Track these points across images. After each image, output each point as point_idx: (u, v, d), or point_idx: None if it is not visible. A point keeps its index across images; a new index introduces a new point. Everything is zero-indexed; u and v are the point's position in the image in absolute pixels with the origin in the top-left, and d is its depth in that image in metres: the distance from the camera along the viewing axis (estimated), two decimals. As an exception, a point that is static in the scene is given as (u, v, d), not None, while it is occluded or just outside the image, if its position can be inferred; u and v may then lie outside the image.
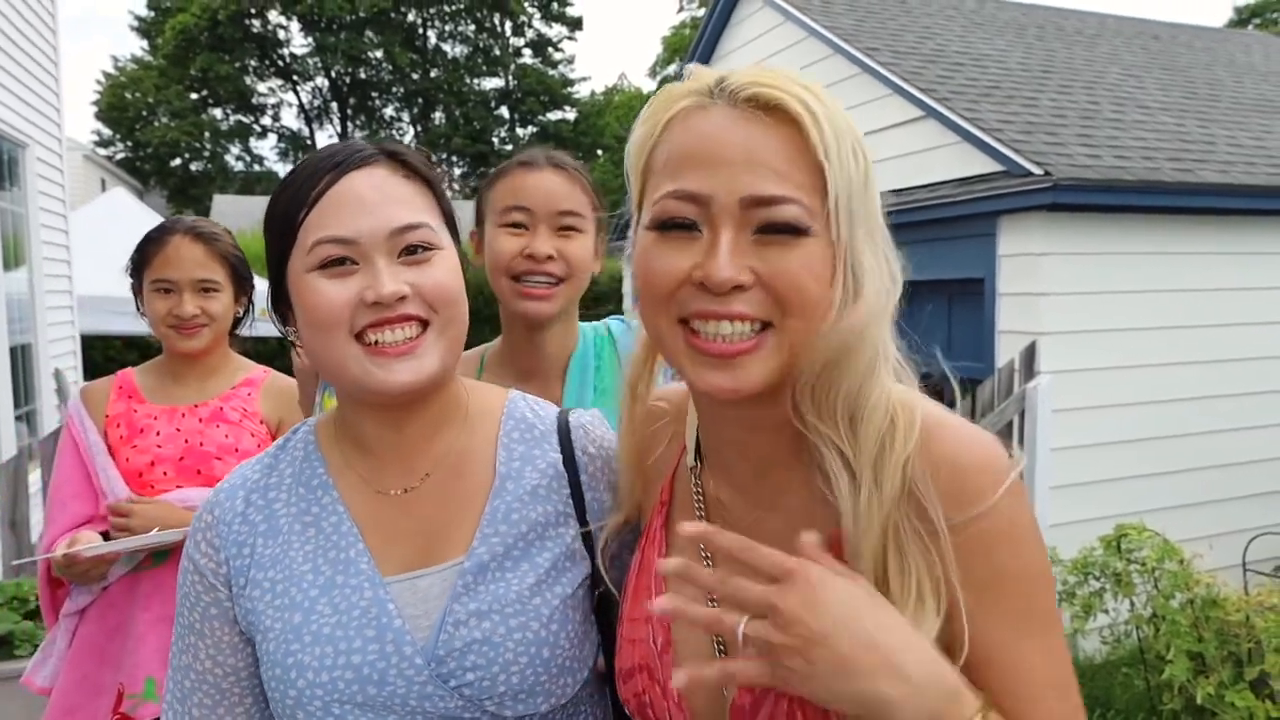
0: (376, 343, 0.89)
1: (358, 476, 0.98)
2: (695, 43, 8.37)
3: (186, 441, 1.88)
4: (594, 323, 1.61)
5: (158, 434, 1.88)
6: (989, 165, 4.89)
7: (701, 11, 27.54)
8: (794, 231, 0.75)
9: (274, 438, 1.87)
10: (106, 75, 30.73)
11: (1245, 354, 5.04)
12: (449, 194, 1.02)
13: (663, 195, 0.79)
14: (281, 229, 0.93)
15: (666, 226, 0.79)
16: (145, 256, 1.90)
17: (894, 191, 5.62)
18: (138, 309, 1.96)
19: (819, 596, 0.69)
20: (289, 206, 0.92)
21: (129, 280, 1.97)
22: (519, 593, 0.92)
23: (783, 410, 0.81)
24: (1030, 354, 4.55)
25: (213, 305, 1.91)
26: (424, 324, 0.91)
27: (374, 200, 0.90)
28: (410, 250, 0.91)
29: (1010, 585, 0.76)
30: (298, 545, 0.95)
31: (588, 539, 0.98)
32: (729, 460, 0.89)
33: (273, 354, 9.88)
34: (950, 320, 5.23)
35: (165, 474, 1.86)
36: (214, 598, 0.96)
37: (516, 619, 0.91)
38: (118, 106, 29.89)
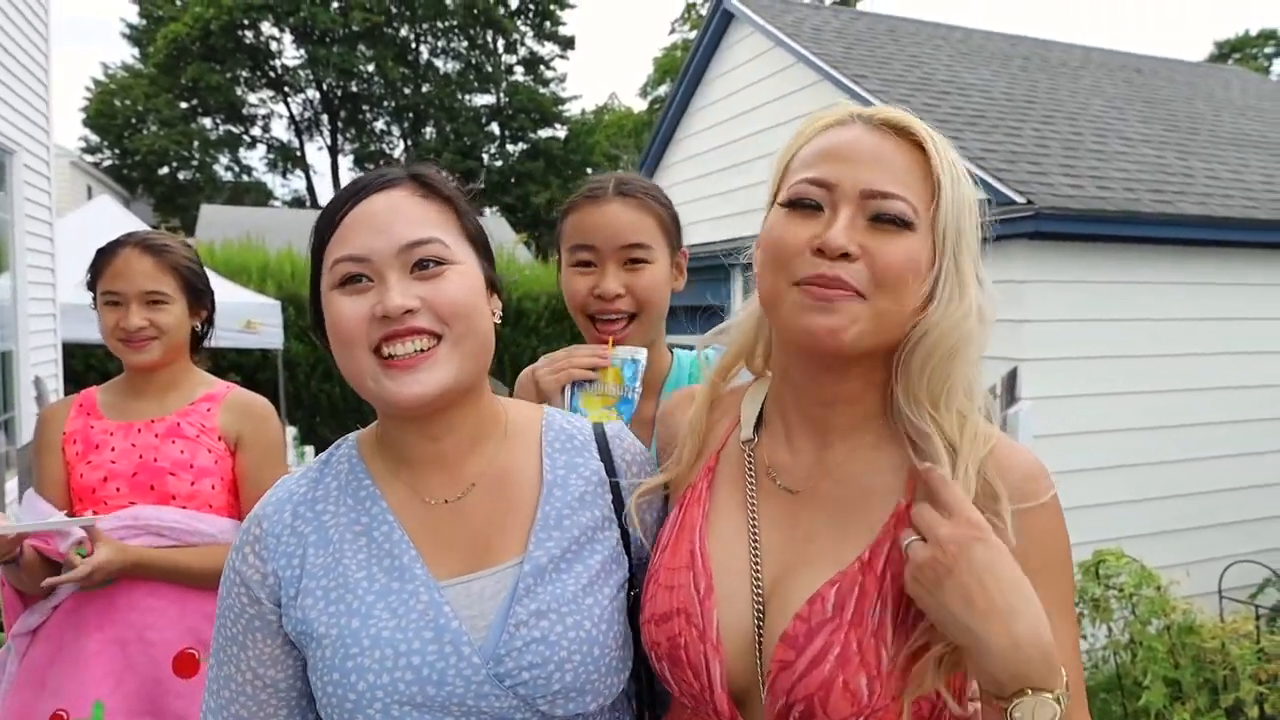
0: (390, 356, 0.92)
1: (403, 486, 1.01)
2: (686, 65, 8.45)
3: (141, 457, 1.84)
4: (691, 351, 1.59)
5: (112, 450, 1.85)
6: (973, 193, 4.96)
7: (693, 34, 27.81)
8: (901, 224, 0.90)
9: (233, 454, 1.88)
10: (96, 82, 30.61)
11: (1223, 383, 5.12)
12: (474, 212, 1.04)
13: (797, 181, 0.94)
14: (313, 252, 0.98)
15: (796, 205, 0.93)
16: (97, 269, 1.88)
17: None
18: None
19: (974, 538, 0.81)
20: (319, 231, 0.98)
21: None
22: (574, 593, 0.96)
23: (859, 385, 0.95)
24: (1012, 379, 4.60)
25: (161, 317, 1.86)
26: (436, 337, 0.93)
27: (387, 220, 0.94)
28: (422, 265, 0.94)
29: (1055, 572, 0.90)
30: (350, 554, 0.97)
31: (625, 537, 1.04)
32: (799, 429, 1.00)
33: (255, 366, 9.80)
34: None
35: (118, 489, 1.82)
36: (258, 610, 0.98)
37: (572, 618, 0.94)
38: (106, 114, 29.77)
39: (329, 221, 0.97)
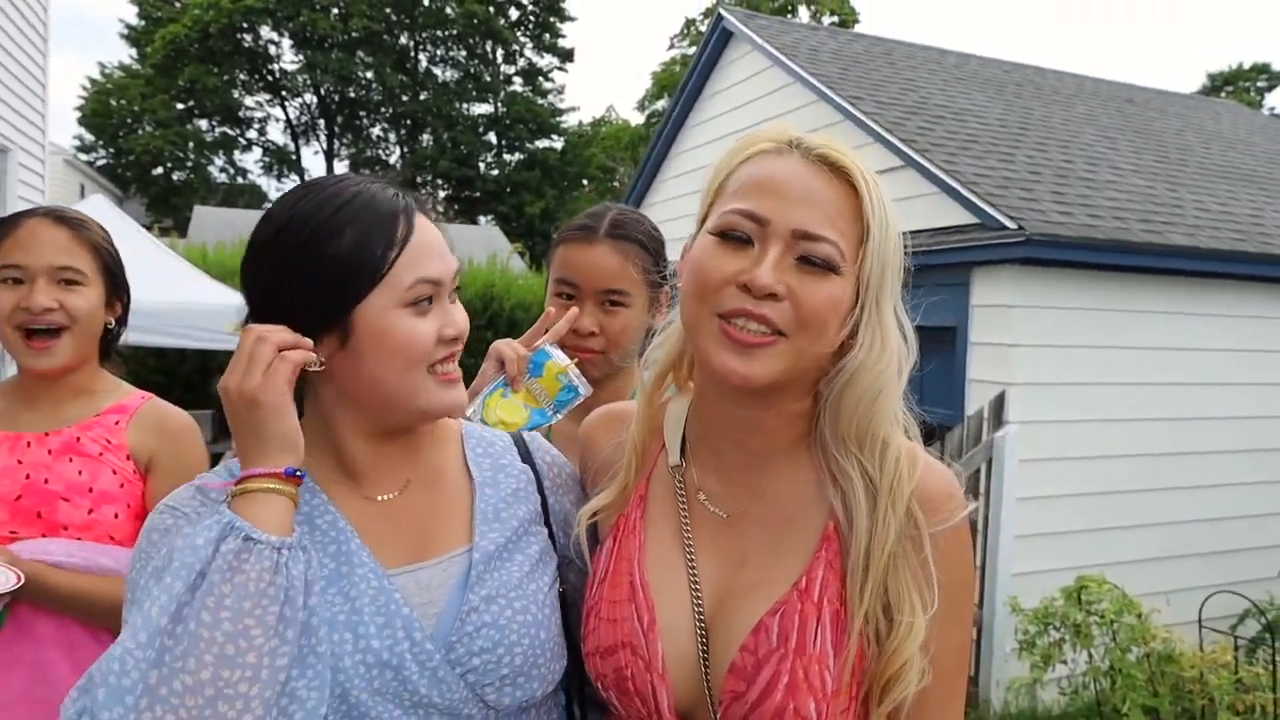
0: (433, 367, 1.00)
1: (337, 484, 1.03)
2: (685, 80, 8.51)
3: (27, 477, 1.49)
4: None
5: None
6: (964, 217, 5.00)
7: (692, 50, 27.97)
8: (827, 267, 0.91)
9: (143, 478, 1.56)
10: (92, 81, 30.56)
11: (1207, 413, 5.16)
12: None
13: (730, 210, 0.94)
14: (365, 265, 0.95)
15: (727, 235, 0.94)
16: None
17: (872, 237, 5.70)
18: None
19: None
20: (372, 244, 0.95)
21: None
22: (518, 579, 1.01)
23: (775, 416, 0.98)
24: (999, 403, 4.63)
25: (74, 300, 1.53)
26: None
27: (442, 247, 1.02)
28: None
29: (961, 587, 0.96)
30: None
31: (550, 537, 1.09)
32: (724, 453, 1.02)
33: (193, 370, 9.62)
34: (922, 367, 5.30)
35: None
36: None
37: (519, 602, 0.99)
38: (102, 113, 29.71)
39: (390, 239, 1.00)
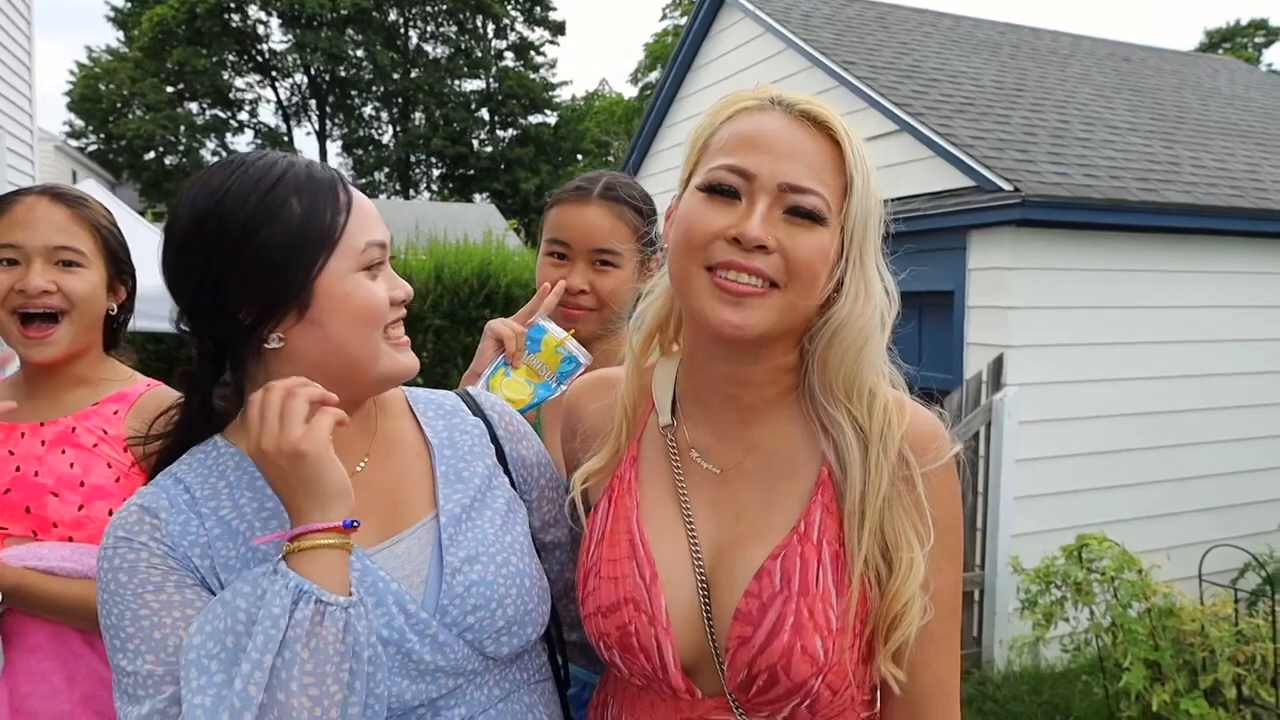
0: (394, 338, 1.01)
1: None
2: (677, 51, 8.43)
3: (18, 469, 1.41)
4: None
5: None
6: (960, 180, 4.98)
7: (684, 20, 27.66)
8: (814, 218, 0.93)
9: (143, 472, 1.43)
10: (80, 65, 30.27)
11: (1205, 370, 5.17)
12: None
13: (716, 166, 0.95)
14: (319, 232, 0.95)
15: (714, 190, 0.95)
16: None
17: (868, 203, 5.68)
18: None
19: None
20: (320, 210, 0.96)
21: None
22: (493, 534, 1.03)
23: (765, 369, 0.99)
24: (998, 366, 4.63)
25: (73, 282, 1.45)
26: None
27: (377, 213, 1.04)
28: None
29: (951, 523, 0.99)
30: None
31: (513, 485, 1.12)
32: (715, 409, 1.04)
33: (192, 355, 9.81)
34: (920, 331, 5.31)
35: None
36: (178, 578, 0.92)
37: (500, 555, 1.01)
38: (91, 98, 29.46)
39: (336, 207, 1.03)
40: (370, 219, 1.00)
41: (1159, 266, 5.05)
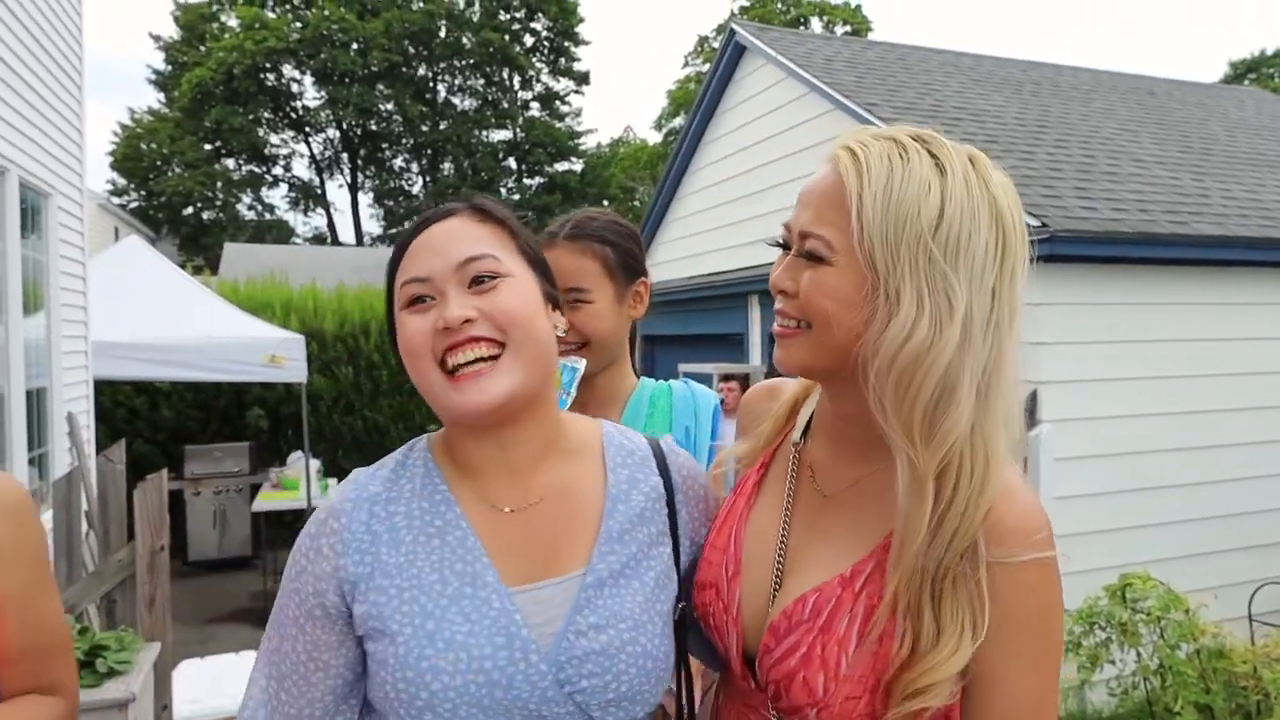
0: (455, 369, 0.99)
1: (472, 493, 1.05)
2: (700, 97, 8.57)
3: None
4: (660, 381, 1.76)
5: None
6: (987, 217, 4.98)
7: (705, 67, 28.09)
8: (816, 260, 0.95)
9: None
10: (123, 126, 31.33)
11: (1245, 404, 5.08)
12: (530, 235, 1.13)
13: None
14: (388, 280, 1.07)
15: (779, 244, 1.03)
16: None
17: (895, 242, 5.70)
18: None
19: None
20: (391, 262, 1.07)
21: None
22: (631, 609, 1.02)
23: (855, 406, 0.97)
24: (1032, 402, 4.60)
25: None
26: (499, 345, 1.00)
27: (445, 242, 1.03)
28: (478, 280, 1.01)
29: (1028, 626, 0.91)
30: (424, 556, 1.01)
31: (675, 550, 1.11)
32: (832, 438, 1.08)
33: (279, 400, 9.77)
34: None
35: None
36: (321, 601, 1.01)
37: (630, 633, 1.00)
38: (133, 157, 30.43)
39: (399, 251, 1.06)
40: (421, 253, 1.03)
41: (1192, 299, 5.00)
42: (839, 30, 31.42)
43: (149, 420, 8.67)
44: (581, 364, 1.52)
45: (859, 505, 1.02)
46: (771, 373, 1.21)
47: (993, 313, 0.92)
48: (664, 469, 1.13)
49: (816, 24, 31.89)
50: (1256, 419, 5.10)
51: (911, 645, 0.90)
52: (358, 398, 9.38)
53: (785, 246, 1.02)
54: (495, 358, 0.99)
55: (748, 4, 32.01)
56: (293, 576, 1.04)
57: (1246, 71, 28.63)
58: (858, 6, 33.04)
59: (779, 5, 32.36)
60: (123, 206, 28.46)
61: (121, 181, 31.10)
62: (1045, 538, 0.92)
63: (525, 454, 1.05)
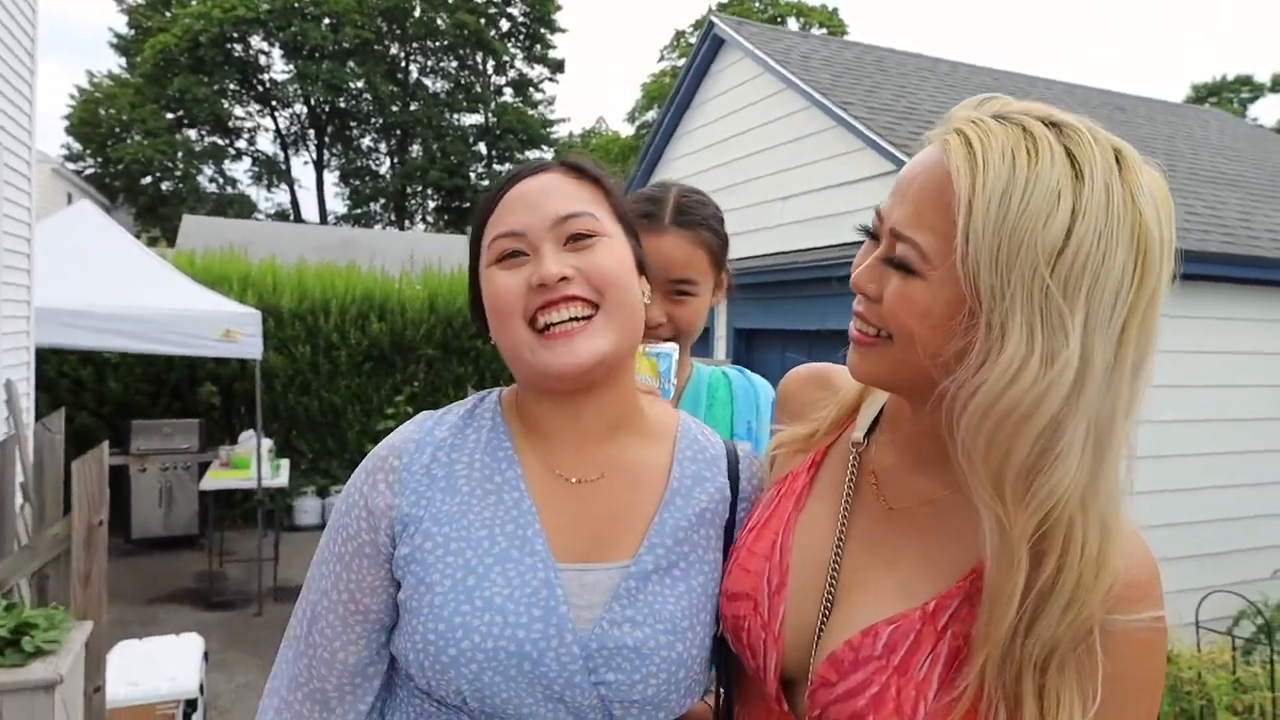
0: (547, 327, 0.94)
1: (536, 457, 1.02)
2: (676, 88, 8.52)
3: None
4: (712, 365, 1.62)
5: None
6: (958, 220, 5.01)
7: (682, 61, 28.06)
8: (905, 269, 0.80)
9: None
10: (80, 90, 30.42)
11: (1198, 416, 5.16)
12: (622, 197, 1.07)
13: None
14: (473, 236, 1.03)
15: (865, 230, 0.88)
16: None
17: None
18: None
19: None
20: (479, 216, 1.02)
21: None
22: (673, 612, 0.96)
23: (931, 419, 0.83)
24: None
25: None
26: (593, 306, 0.95)
27: (540, 197, 0.98)
28: (576, 238, 0.97)
29: (1140, 690, 0.79)
30: (477, 510, 0.98)
31: (726, 564, 1.03)
32: (903, 445, 0.94)
33: (233, 377, 9.59)
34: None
35: None
36: (373, 538, 0.98)
37: (666, 636, 0.94)
38: (90, 122, 29.57)
39: (489, 204, 1.01)
40: (513, 207, 0.98)
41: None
42: (815, 32, 31.57)
43: (95, 392, 8.40)
44: (675, 350, 1.40)
45: (935, 527, 0.88)
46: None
47: (1119, 354, 0.76)
48: (734, 474, 1.07)
49: (793, 24, 32.03)
50: (1203, 431, 5.19)
51: (1007, 713, 0.77)
52: (314, 377, 9.18)
53: (873, 235, 0.86)
54: (588, 318, 0.95)
55: (725, 0, 32.02)
56: (343, 511, 1.01)
57: (1209, 94, 29.34)
58: (834, 9, 33.25)
59: (756, 4, 32.43)
60: (78, 173, 27.66)
61: (77, 147, 30.22)
62: (1160, 592, 0.81)
63: (596, 425, 1.01)
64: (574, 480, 1.00)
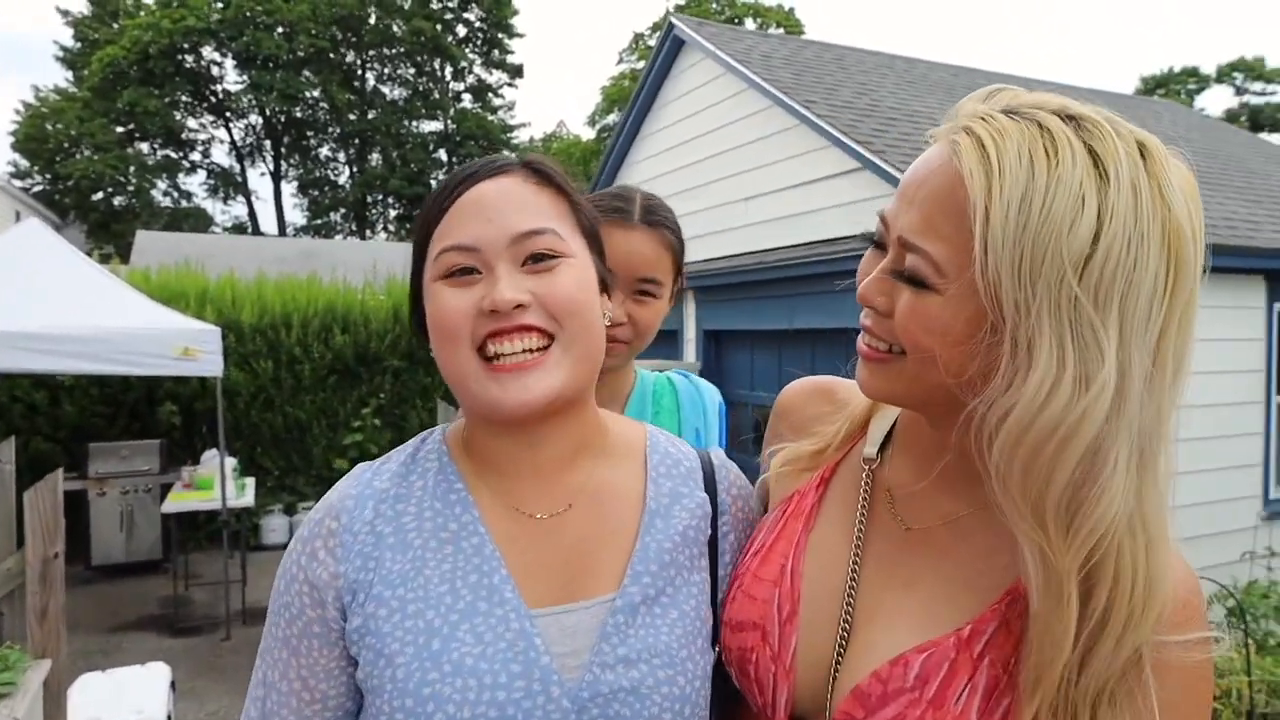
0: (496, 356, 0.85)
1: (493, 495, 0.92)
2: (638, 91, 8.48)
3: None
4: (655, 372, 1.58)
5: None
6: (923, 216, 5.02)
7: (641, 64, 28.07)
8: (917, 283, 0.74)
9: None
10: (26, 105, 29.67)
11: (1166, 403, 5.24)
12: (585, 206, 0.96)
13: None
14: (417, 240, 0.91)
15: (870, 239, 0.83)
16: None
17: (830, 241, 5.71)
18: None
19: None
20: (424, 219, 0.91)
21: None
22: (668, 643, 0.87)
23: (951, 434, 0.77)
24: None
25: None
26: (548, 337, 0.86)
27: (498, 207, 0.87)
28: (536, 259, 0.87)
29: (1201, 713, 0.75)
30: (433, 564, 0.87)
31: (714, 583, 0.95)
32: (921, 462, 0.88)
33: (193, 395, 9.36)
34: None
35: None
36: (320, 614, 0.87)
37: (665, 671, 0.85)
38: (36, 138, 28.84)
39: (436, 209, 0.89)
40: (466, 217, 0.86)
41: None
42: (773, 31, 31.78)
43: (49, 416, 8.15)
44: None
45: (959, 548, 0.82)
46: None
47: (1156, 363, 0.70)
48: (711, 485, 0.98)
49: (750, 25, 32.19)
50: (1180, 416, 5.26)
51: None
52: (277, 393, 8.99)
53: (878, 243, 0.80)
54: (545, 348, 0.85)
55: (683, 2, 32.11)
56: (281, 590, 0.90)
57: (1157, 86, 30.02)
58: (790, 9, 33.50)
59: (714, 4, 32.56)
60: (25, 190, 26.97)
61: (25, 164, 29.47)
62: (1205, 608, 0.76)
63: (557, 453, 0.92)
64: (539, 516, 0.91)
